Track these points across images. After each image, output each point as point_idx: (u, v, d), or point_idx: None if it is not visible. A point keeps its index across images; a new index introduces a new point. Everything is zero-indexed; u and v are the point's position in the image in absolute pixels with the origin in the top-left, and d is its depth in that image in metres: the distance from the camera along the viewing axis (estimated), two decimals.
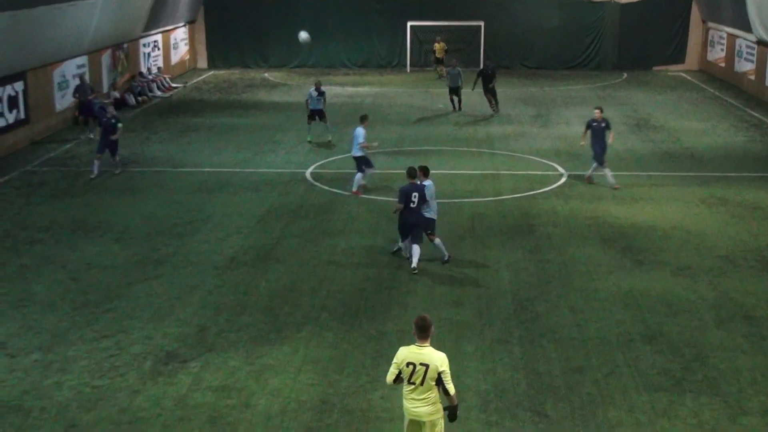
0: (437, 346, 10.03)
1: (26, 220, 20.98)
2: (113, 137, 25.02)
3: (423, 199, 17.60)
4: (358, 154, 23.45)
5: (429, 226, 17.98)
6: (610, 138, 24.22)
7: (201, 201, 22.60)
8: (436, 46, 45.53)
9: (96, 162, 24.83)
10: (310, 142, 29.41)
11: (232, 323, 15.07)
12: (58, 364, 13.54)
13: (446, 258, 18.04)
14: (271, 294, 16.39)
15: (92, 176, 24.58)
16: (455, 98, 35.82)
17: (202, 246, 19.09)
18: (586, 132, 24.35)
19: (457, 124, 32.96)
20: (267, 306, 15.81)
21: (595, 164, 24.03)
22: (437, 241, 18.06)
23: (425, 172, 18.18)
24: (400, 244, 18.33)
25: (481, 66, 38.11)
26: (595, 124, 24.00)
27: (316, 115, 29.75)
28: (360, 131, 23.36)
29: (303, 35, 24.22)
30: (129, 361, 13.64)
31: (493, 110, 35.11)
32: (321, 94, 29.73)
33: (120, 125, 25.27)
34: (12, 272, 17.54)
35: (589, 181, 24.24)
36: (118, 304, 15.91)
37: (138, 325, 14.96)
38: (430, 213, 18.00)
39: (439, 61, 45.38)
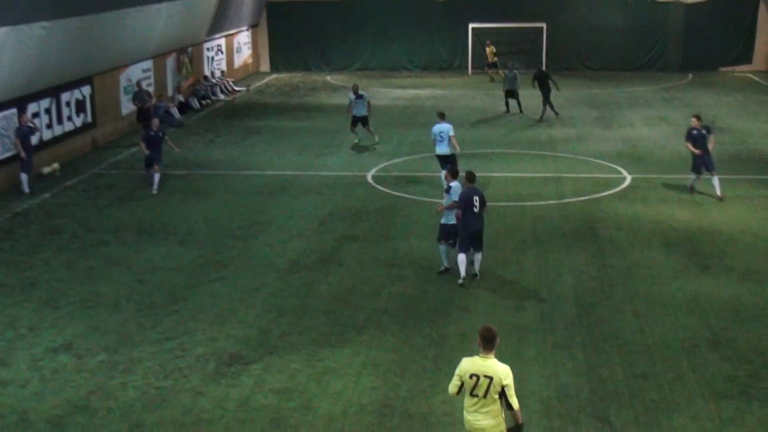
0: (498, 351, 9.95)
1: (93, 222, 21.34)
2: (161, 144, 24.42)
3: (484, 203, 17.04)
4: (446, 151, 23.43)
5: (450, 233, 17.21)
6: (711, 143, 22.92)
7: (263, 204, 22.78)
8: (487, 50, 45.26)
9: (154, 175, 24.12)
10: (357, 143, 29.39)
11: (294, 326, 15.16)
12: (124, 365, 13.75)
13: (441, 268, 17.42)
14: (332, 297, 16.46)
15: (153, 191, 23.88)
16: (511, 101, 35.36)
17: (264, 248, 19.25)
18: (689, 143, 22.99)
19: (517, 127, 32.77)
20: (328, 309, 15.88)
21: (694, 175, 22.98)
22: (443, 247, 17.37)
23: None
24: (445, 263, 17.39)
25: (536, 69, 37.23)
26: (695, 132, 22.88)
27: (359, 121, 29.26)
28: (447, 126, 23.52)
29: None
30: (192, 363, 13.79)
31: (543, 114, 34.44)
32: (359, 97, 29.10)
33: (166, 137, 24.98)
34: (80, 274, 17.86)
35: (692, 191, 23.06)
36: (182, 306, 16.11)
37: (201, 327, 15.13)
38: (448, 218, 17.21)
39: (491, 65, 45.11)
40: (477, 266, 17.17)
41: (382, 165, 26.88)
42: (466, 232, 16.85)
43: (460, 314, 15.60)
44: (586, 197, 23.02)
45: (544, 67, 36.06)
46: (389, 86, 43.45)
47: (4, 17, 22.52)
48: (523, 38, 46.88)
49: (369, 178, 25.24)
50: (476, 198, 16.83)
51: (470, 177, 17.23)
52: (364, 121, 29.19)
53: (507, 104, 35.59)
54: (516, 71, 35.53)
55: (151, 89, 34.17)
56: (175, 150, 26.01)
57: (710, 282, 17.02)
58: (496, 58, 44.90)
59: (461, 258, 16.90)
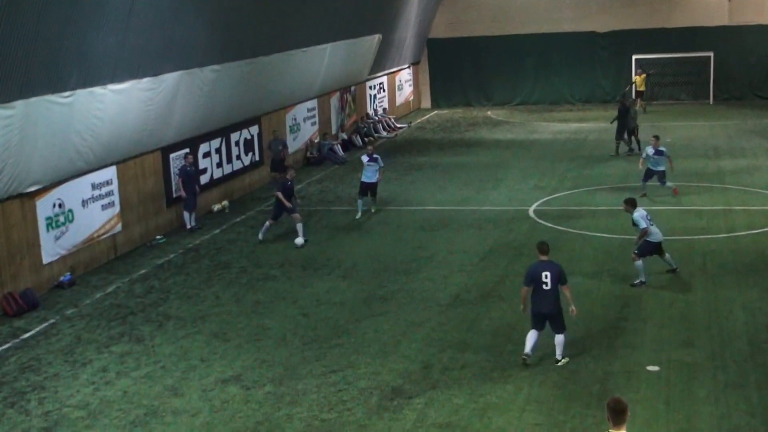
0: (667, 389, 9.63)
1: (260, 257, 21.97)
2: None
3: (558, 280, 14.61)
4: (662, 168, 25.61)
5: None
6: None
7: (425, 239, 22.91)
8: (637, 78, 44.14)
9: (297, 225, 22.87)
10: (357, 219, 25.06)
11: (456, 360, 15.12)
12: (290, 397, 14.03)
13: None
14: (494, 332, 16.35)
15: (260, 239, 23.20)
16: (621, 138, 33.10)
17: (426, 283, 19.33)
18: None
19: (684, 158, 31.85)
20: (490, 344, 15.78)
21: None
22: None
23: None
24: (528, 351, 14.72)
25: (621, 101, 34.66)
26: None
27: (368, 189, 25.53)
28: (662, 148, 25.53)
29: None
30: (356, 396, 13.94)
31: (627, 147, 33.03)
32: (373, 159, 25.47)
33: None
34: (247, 308, 18.39)
35: None
36: (345, 339, 16.34)
37: (365, 361, 15.29)
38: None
39: (640, 94, 43.97)
40: (559, 351, 14.78)
41: (544, 199, 26.63)
42: (534, 312, 14.78)
43: (626, 351, 15.20)
44: (759, 230, 22.12)
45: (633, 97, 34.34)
46: (551, 120, 43.11)
47: (181, 62, 23.61)
48: (690, 69, 45.67)
49: (531, 213, 25.04)
50: (546, 274, 14.59)
51: (542, 248, 15.02)
52: (374, 189, 25.62)
53: (628, 142, 33.19)
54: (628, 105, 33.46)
55: (315, 128, 35.08)
56: (298, 201, 24.09)
57: None
58: (644, 86, 43.86)
59: (531, 335, 14.83)
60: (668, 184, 26.19)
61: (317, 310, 18.00)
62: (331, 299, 18.63)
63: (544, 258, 14.84)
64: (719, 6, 45.60)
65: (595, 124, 40.97)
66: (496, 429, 12.67)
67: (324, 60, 33.97)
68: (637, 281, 18.37)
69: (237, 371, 15.11)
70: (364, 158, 25.58)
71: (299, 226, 22.82)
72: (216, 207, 27.01)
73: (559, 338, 14.73)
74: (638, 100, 43.35)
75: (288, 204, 22.93)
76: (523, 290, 14.79)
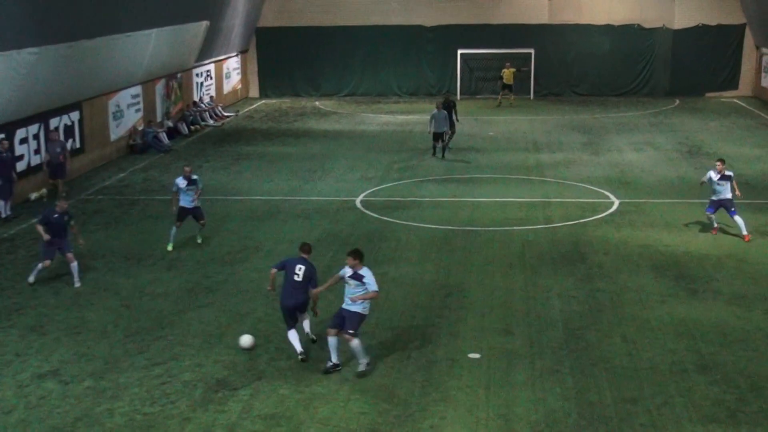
0: (488, 375, 9.92)
1: (81, 247, 21.24)
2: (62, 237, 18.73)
3: (310, 277, 14.76)
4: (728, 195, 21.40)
5: (352, 320, 14.10)
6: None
7: (252, 229, 22.76)
8: (505, 71, 45.12)
9: (71, 265, 18.75)
10: (170, 252, 20.85)
11: (282, 351, 15.09)
12: (111, 391, 13.67)
13: (362, 367, 14.08)
14: (321, 321, 16.37)
15: (76, 284, 18.66)
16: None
17: (252, 274, 19.21)
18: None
19: (505, 152, 32.86)
20: (316, 333, 15.78)
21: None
22: (354, 342, 14.01)
23: (356, 256, 14.23)
24: (300, 351, 14.72)
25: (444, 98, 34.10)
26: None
27: (189, 214, 21.05)
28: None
29: (244, 342, 16.81)
30: (180, 389, 13.72)
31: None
32: (192, 182, 20.91)
33: (72, 222, 19.11)
34: (66, 300, 17.78)
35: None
36: (169, 331, 16.05)
37: (189, 353, 15.06)
38: (356, 306, 14.12)
39: (506, 87, 45.00)
40: (307, 327, 15.27)
41: (371, 190, 26.91)
42: (281, 304, 14.94)
43: (449, 339, 15.57)
44: (574, 222, 23.08)
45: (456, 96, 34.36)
46: (378, 111, 43.60)
47: None
48: (511, 64, 47.06)
49: (358, 203, 25.26)
50: (300, 267, 14.75)
51: (304, 248, 15.21)
52: (195, 213, 21.13)
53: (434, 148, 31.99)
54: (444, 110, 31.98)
55: (139, 115, 34.23)
56: (80, 242, 19.45)
57: (698, 306, 17.05)
58: (514, 80, 44.80)
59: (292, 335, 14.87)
60: (738, 220, 21.35)
61: (140, 302, 17.60)
62: (154, 290, 18.25)
63: (304, 255, 15.07)
64: (540, 5, 47.26)
65: (420, 117, 41.63)
66: (322, 419, 12.74)
67: (149, 45, 33.17)
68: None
69: (55, 365, 14.60)
70: (181, 182, 20.83)
71: (73, 266, 18.64)
72: (33, 195, 25.96)
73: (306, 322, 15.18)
74: (503, 92, 44.51)
75: (46, 236, 18.31)
76: (272, 273, 15.14)
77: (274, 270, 15.14)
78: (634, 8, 47.18)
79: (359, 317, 14.15)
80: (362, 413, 12.90)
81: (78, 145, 29.39)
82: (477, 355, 14.82)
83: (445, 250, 20.81)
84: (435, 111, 31.68)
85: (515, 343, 15.38)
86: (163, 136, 34.48)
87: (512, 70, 44.89)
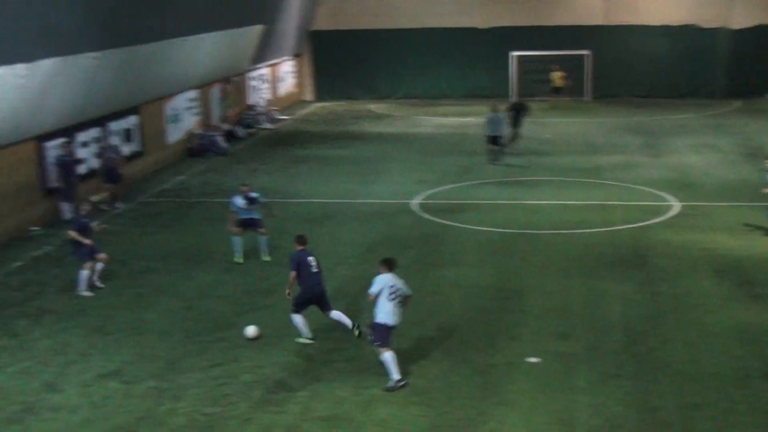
0: (547, 379, 9.85)
1: (141, 250, 21.53)
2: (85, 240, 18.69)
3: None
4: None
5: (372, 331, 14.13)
6: None
7: (308, 231, 22.68)
8: (554, 75, 44.87)
9: (96, 265, 18.94)
10: (239, 263, 20.31)
11: (341, 353, 15.13)
12: (172, 391, 13.81)
13: (350, 326, 15.32)
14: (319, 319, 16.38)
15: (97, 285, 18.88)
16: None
17: None
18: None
19: (563, 154, 32.60)
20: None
21: None
22: (384, 355, 13.93)
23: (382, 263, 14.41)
24: (305, 337, 15.64)
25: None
26: None
27: (248, 225, 20.47)
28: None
29: (249, 332, 16.94)
30: (239, 390, 13.82)
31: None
32: (252, 201, 20.50)
33: (92, 223, 19.58)
34: (128, 301, 18.01)
35: None
36: (228, 333, 16.16)
37: (248, 354, 15.16)
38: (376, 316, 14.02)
39: (556, 91, 44.82)
40: (347, 320, 15.74)
41: (427, 192, 26.86)
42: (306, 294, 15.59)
43: (507, 343, 15.49)
44: (635, 225, 22.82)
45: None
46: (432, 114, 43.54)
47: (54, 48, 22.91)
48: (567, 66, 46.67)
49: (414, 206, 25.23)
50: (311, 258, 15.61)
51: (300, 240, 15.84)
52: (255, 224, 20.53)
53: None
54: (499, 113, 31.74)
55: (196, 118, 34.56)
56: (100, 228, 20.20)
57: (761, 311, 16.75)
58: (564, 84, 44.64)
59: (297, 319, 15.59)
60: None
61: (200, 303, 17.76)
62: (214, 292, 18.41)
63: (302, 248, 15.82)
64: (595, 5, 46.84)
65: (475, 119, 41.47)
66: (379, 421, 12.74)
67: (205, 50, 33.49)
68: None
69: (117, 366, 14.79)
70: (239, 201, 20.37)
71: (99, 267, 18.86)
72: (95, 198, 26.31)
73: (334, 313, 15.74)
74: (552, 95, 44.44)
75: (86, 241, 18.58)
76: (291, 274, 15.59)
77: (294, 273, 15.57)
78: (691, 8, 46.45)
79: (377, 327, 13.99)
80: (420, 416, 12.88)
81: (137, 148, 29.71)
82: (536, 359, 14.72)
83: (503, 253, 20.70)
84: (490, 114, 31.36)
85: (574, 347, 15.24)
86: (220, 140, 34.77)
87: (560, 73, 44.59)
